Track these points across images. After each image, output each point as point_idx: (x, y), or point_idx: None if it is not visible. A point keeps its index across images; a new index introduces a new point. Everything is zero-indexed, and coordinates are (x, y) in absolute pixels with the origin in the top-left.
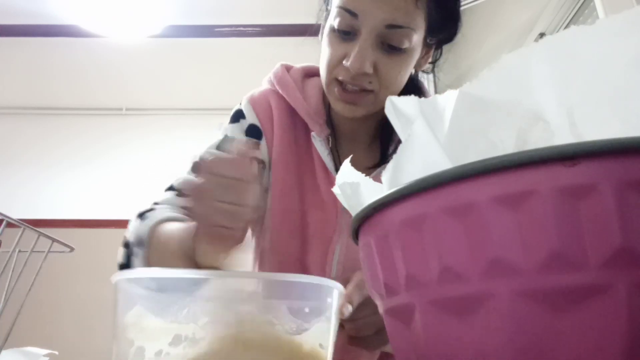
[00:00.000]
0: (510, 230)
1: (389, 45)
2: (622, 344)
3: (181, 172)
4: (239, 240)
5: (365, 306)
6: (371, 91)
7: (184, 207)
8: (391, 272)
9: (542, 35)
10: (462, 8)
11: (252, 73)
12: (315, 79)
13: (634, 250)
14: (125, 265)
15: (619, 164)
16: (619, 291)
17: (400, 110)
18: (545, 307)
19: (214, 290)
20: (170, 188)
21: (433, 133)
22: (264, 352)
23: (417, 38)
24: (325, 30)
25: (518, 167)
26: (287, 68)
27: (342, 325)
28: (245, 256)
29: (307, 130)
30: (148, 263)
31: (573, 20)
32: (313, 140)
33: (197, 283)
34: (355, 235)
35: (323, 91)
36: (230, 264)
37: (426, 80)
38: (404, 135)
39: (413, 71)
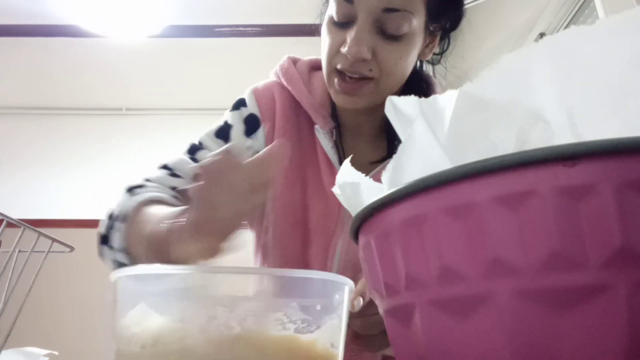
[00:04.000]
0: (510, 230)
1: (388, 30)
2: (622, 344)
3: (177, 154)
4: (231, 236)
5: (374, 304)
6: (371, 79)
7: (176, 190)
8: (391, 272)
9: (542, 35)
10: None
11: (251, 73)
12: (321, 72)
13: (634, 250)
14: (105, 236)
15: (619, 164)
16: (619, 291)
17: (400, 110)
18: (545, 307)
19: (216, 287)
20: (164, 167)
21: (433, 133)
22: (276, 353)
23: (416, 23)
24: (324, 22)
25: (518, 167)
26: (294, 61)
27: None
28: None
29: (311, 123)
30: (127, 241)
31: (573, 20)
32: (316, 133)
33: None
34: (355, 235)
35: None
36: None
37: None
38: (404, 135)
39: (418, 63)
